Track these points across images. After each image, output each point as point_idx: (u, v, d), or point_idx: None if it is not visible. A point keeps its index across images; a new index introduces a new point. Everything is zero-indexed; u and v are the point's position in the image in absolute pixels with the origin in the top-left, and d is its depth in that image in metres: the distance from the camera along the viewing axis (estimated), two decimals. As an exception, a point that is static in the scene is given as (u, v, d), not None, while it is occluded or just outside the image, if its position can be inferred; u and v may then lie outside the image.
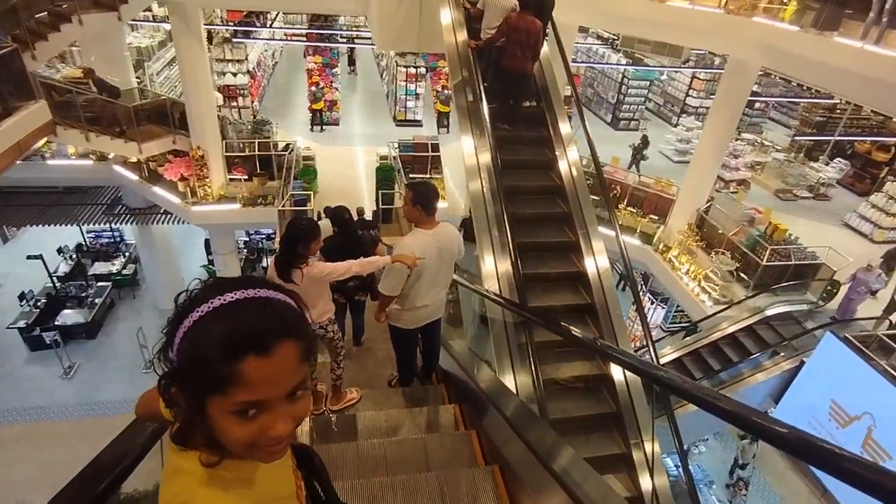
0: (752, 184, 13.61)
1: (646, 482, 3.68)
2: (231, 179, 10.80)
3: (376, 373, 4.85)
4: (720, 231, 9.78)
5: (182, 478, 0.83)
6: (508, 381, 3.73)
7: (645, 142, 14.18)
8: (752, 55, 8.21)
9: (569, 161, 5.31)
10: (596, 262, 4.71)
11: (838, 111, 15.23)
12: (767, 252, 8.62)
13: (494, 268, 4.43)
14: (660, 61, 16.36)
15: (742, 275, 9.25)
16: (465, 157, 5.11)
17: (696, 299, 9.11)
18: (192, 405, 0.79)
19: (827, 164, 14.00)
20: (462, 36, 5.89)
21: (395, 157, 11.34)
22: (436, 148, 11.52)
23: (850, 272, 8.24)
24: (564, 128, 5.51)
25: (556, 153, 5.42)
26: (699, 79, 16.84)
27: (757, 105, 17.45)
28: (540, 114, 5.72)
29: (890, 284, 8.60)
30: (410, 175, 11.19)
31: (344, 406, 3.99)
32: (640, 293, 11.61)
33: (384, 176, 10.17)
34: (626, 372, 4.07)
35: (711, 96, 17.59)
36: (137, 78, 12.43)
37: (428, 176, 11.60)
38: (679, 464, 5.85)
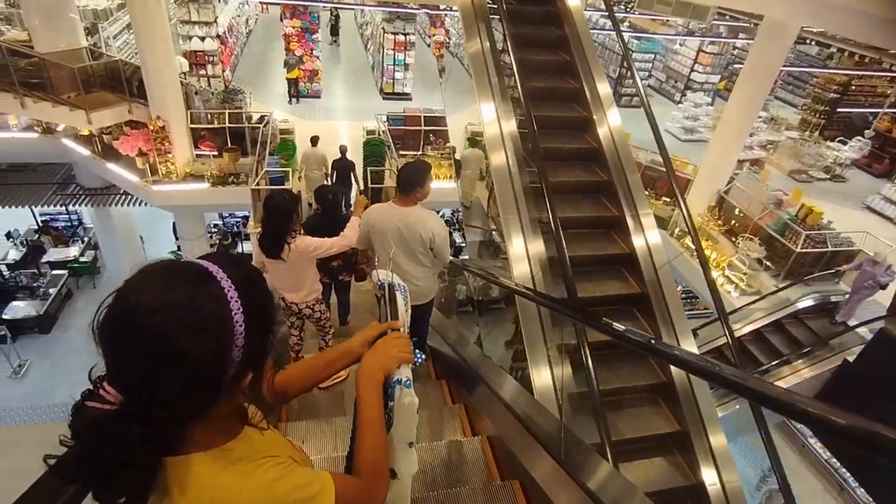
0: (766, 164, 12.76)
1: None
2: (198, 155, 9.52)
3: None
4: (739, 213, 8.90)
5: (242, 480, 0.85)
6: (549, 399, 2.82)
7: None
8: (792, 13, 7.21)
9: (608, 122, 4.29)
10: (647, 241, 3.76)
11: (854, 87, 14.42)
12: (802, 238, 7.74)
13: (525, 253, 3.53)
14: (680, 25, 14.99)
15: (767, 263, 8.40)
16: (484, 125, 4.11)
17: (721, 290, 8.21)
18: (257, 376, 0.89)
19: (845, 144, 13.19)
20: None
21: (384, 132, 10.17)
22: (430, 121, 10.37)
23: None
24: (602, 85, 4.48)
25: (594, 113, 4.40)
26: (706, 52, 15.85)
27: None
28: (571, 66, 4.67)
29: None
30: (401, 152, 10.06)
31: (332, 384, 3.92)
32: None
33: (373, 151, 9.04)
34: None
35: (719, 70, 16.73)
36: (91, 43, 11.00)
37: (420, 153, 10.48)
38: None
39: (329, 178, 9.10)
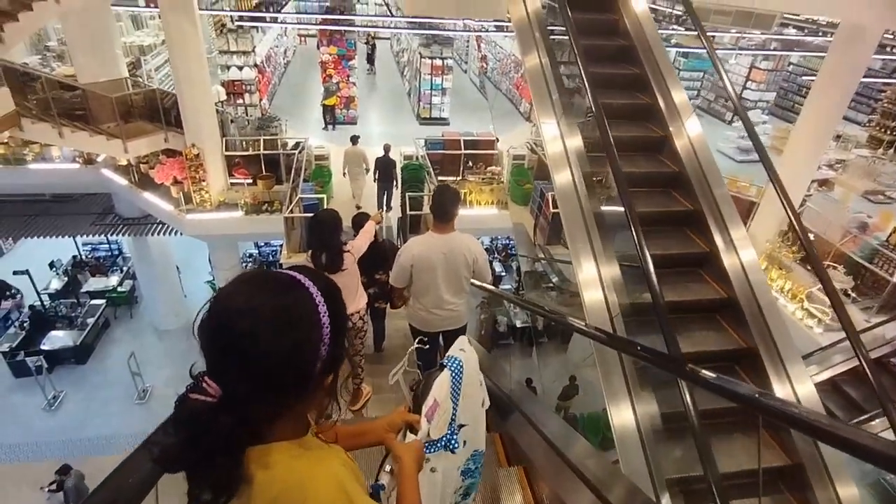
0: (835, 184, 11.70)
1: None
2: (232, 184, 9.32)
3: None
4: (813, 238, 7.95)
5: (316, 465, 0.93)
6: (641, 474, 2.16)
7: None
8: (873, 16, 6.45)
9: (690, 139, 3.66)
10: (749, 281, 3.06)
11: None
12: (901, 266, 6.78)
13: (602, 294, 2.95)
14: (741, 36, 14.07)
15: (853, 294, 7.43)
16: (545, 143, 3.58)
17: (800, 325, 7.28)
18: (335, 378, 0.99)
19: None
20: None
21: (422, 157, 9.76)
22: (470, 145, 9.91)
23: None
24: (678, 95, 3.87)
25: (671, 129, 3.78)
26: (759, 69, 14.97)
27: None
28: (642, 79, 4.07)
29: None
30: (439, 178, 9.60)
31: (362, 405, 4.00)
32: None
33: (412, 175, 8.60)
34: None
35: (774, 88, 15.75)
36: (134, 76, 11.15)
37: (459, 178, 10.00)
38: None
39: (373, 175, 9.53)
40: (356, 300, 3.76)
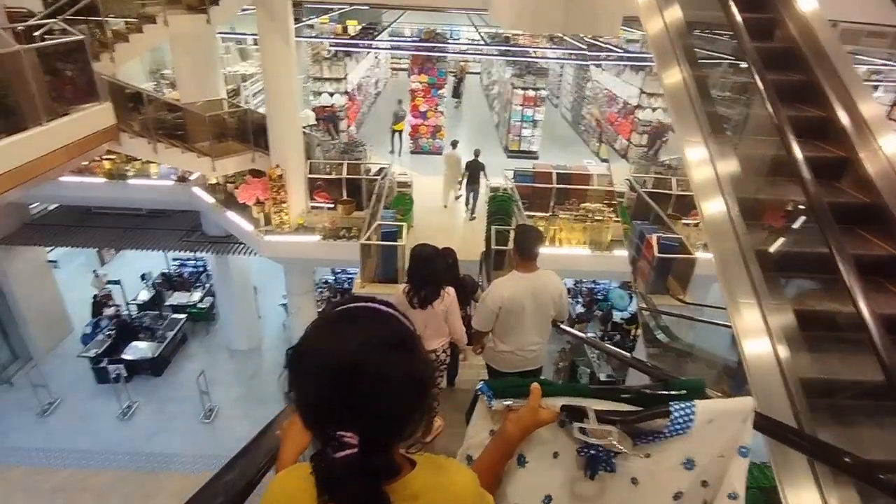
0: None
1: None
2: (313, 207, 9.10)
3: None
4: None
5: (451, 474, 0.98)
6: None
7: None
8: None
9: (888, 158, 2.68)
10: None
11: None
12: None
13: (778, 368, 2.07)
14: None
15: None
16: (691, 168, 2.76)
17: None
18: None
19: None
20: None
21: (511, 189, 9.08)
22: (563, 178, 9.09)
23: None
24: (867, 107, 2.90)
25: (857, 149, 2.82)
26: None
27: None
28: (813, 87, 3.14)
29: None
30: (528, 212, 8.84)
31: (434, 437, 2.63)
32: None
33: (499, 207, 7.94)
34: None
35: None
36: (232, 100, 11.53)
37: (549, 214, 9.15)
38: None
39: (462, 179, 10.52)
40: (441, 335, 3.68)
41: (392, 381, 0.81)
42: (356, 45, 13.32)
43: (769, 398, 2.01)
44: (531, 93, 13.20)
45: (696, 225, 7.90)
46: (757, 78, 2.48)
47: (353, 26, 14.23)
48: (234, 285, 11.22)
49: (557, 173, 9.24)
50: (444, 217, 10.89)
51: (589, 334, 11.25)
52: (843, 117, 2.98)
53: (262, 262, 11.27)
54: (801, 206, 2.56)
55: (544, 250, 8.67)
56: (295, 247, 8.58)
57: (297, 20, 8.62)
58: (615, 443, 1.10)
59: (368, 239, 7.60)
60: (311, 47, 13.23)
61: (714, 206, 2.63)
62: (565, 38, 13.71)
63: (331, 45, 12.92)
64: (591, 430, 1.09)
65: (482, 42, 14.36)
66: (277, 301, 12.54)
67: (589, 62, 14.33)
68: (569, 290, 11.73)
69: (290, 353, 0.86)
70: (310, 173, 8.95)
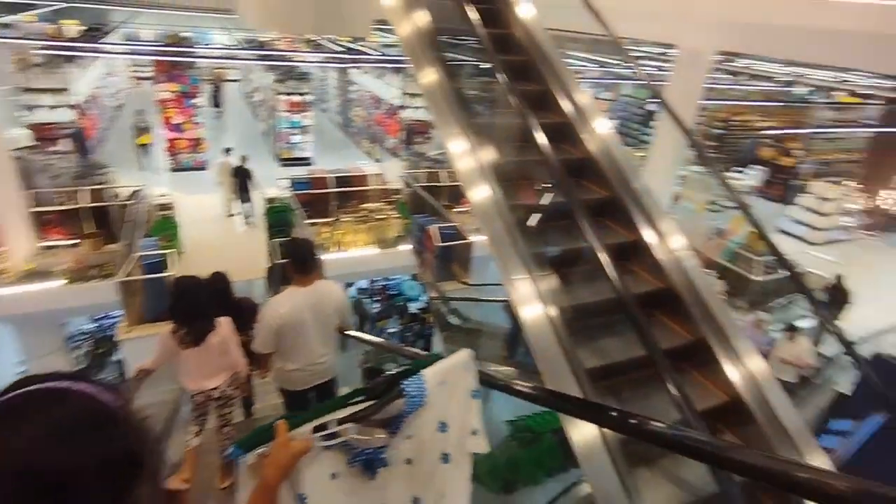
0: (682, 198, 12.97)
1: None
2: (46, 247, 7.46)
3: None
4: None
5: None
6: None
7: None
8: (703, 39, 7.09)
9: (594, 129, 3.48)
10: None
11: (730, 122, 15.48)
12: (760, 266, 7.36)
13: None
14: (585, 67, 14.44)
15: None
16: (455, 157, 3.22)
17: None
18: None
19: (740, 173, 13.87)
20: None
21: (290, 198, 8.76)
22: (342, 182, 9.13)
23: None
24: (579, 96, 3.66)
25: (567, 114, 3.61)
26: (600, 99, 16.28)
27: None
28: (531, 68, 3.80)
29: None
30: (309, 220, 8.64)
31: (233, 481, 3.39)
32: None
33: (278, 219, 7.58)
34: None
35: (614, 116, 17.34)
36: None
37: (333, 219, 9.12)
38: None
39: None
40: (225, 371, 3.46)
41: (87, 470, 0.65)
42: (78, 49, 11.15)
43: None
44: (296, 98, 12.91)
45: (468, 211, 8.75)
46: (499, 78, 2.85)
47: (73, 27, 11.91)
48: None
49: (335, 177, 9.25)
50: (221, 235, 9.98)
51: (391, 329, 11.62)
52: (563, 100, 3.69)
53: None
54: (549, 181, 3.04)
55: (334, 255, 8.58)
56: (25, 299, 6.91)
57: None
58: (381, 437, 1.19)
59: (129, 275, 6.53)
60: (13, 52, 10.74)
61: (480, 192, 2.99)
62: (321, 41, 13.73)
63: (41, 50, 10.63)
64: (356, 437, 1.17)
65: (238, 47, 13.46)
66: (12, 370, 9.95)
67: (346, 65, 14.59)
68: (364, 290, 11.92)
69: None
70: (36, 206, 7.29)
